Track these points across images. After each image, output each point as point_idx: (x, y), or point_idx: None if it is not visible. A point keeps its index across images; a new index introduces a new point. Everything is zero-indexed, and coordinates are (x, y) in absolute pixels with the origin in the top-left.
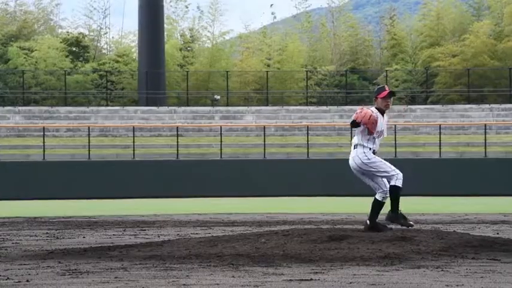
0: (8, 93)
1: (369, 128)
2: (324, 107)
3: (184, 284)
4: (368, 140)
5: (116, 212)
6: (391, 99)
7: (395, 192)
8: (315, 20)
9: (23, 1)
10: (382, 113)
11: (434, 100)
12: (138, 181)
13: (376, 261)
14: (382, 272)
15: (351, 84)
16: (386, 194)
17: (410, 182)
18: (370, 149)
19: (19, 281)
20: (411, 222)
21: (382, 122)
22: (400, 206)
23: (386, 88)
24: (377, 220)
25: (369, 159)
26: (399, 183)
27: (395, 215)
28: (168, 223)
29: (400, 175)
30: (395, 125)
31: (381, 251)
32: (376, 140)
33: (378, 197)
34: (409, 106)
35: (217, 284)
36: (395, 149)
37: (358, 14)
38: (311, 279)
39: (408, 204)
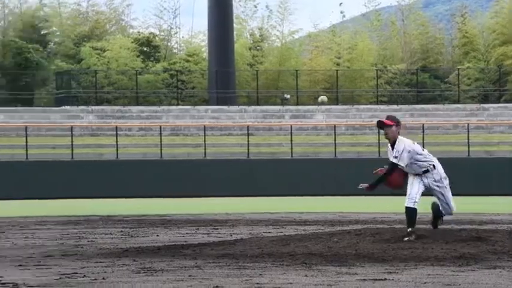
0: (82, 92)
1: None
2: (395, 106)
3: (257, 283)
4: None
5: (188, 210)
6: (383, 130)
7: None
8: (384, 18)
9: (95, 1)
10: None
11: (508, 98)
12: (210, 180)
13: (451, 261)
14: (457, 273)
15: (422, 83)
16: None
17: (483, 181)
18: None
19: (95, 279)
20: (406, 238)
21: (391, 151)
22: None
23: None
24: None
25: None
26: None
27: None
28: (240, 222)
29: (409, 200)
30: (468, 124)
31: (456, 251)
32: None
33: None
34: (482, 105)
35: (291, 283)
36: (469, 148)
37: (428, 12)
38: (385, 279)
39: (482, 204)
